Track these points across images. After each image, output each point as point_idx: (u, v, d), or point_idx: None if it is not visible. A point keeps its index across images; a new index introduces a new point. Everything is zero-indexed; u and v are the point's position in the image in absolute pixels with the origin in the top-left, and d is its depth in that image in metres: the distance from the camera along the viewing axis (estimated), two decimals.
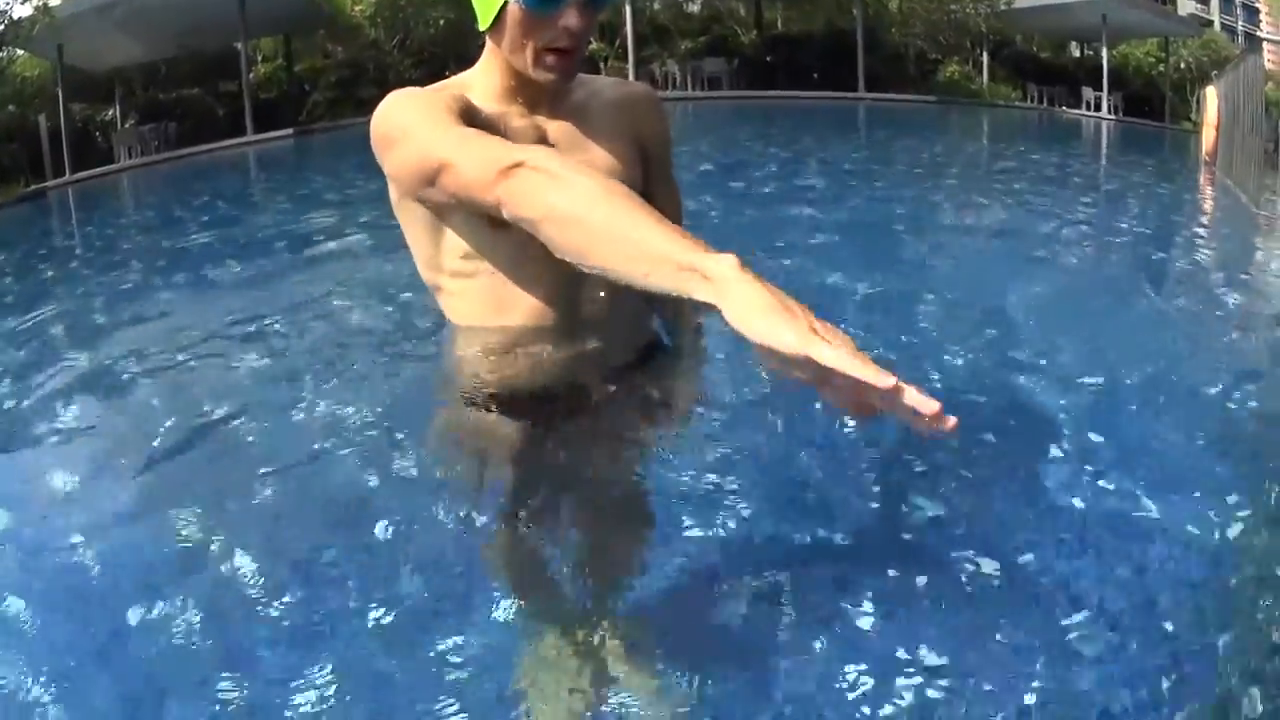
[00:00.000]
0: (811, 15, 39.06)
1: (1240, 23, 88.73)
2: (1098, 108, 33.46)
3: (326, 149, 24.57)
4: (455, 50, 29.71)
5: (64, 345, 5.85)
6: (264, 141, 28.24)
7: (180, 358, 4.02)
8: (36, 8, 28.25)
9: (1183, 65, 43.66)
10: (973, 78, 36.44)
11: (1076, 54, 45.45)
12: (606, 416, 2.37)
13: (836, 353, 1.17)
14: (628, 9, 30.25)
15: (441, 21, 31.27)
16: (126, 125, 32.85)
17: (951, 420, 1.16)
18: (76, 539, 2.38)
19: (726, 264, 1.33)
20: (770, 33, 38.89)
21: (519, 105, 2.24)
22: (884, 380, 1.13)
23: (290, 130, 29.12)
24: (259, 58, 36.54)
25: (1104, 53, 36.25)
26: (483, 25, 2.15)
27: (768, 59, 35.07)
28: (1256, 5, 57.60)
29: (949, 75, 35.48)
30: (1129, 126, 32.64)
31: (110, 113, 34.33)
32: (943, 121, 26.09)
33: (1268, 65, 24.76)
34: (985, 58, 37.44)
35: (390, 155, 2.12)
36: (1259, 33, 73.38)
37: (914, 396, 1.15)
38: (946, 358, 3.39)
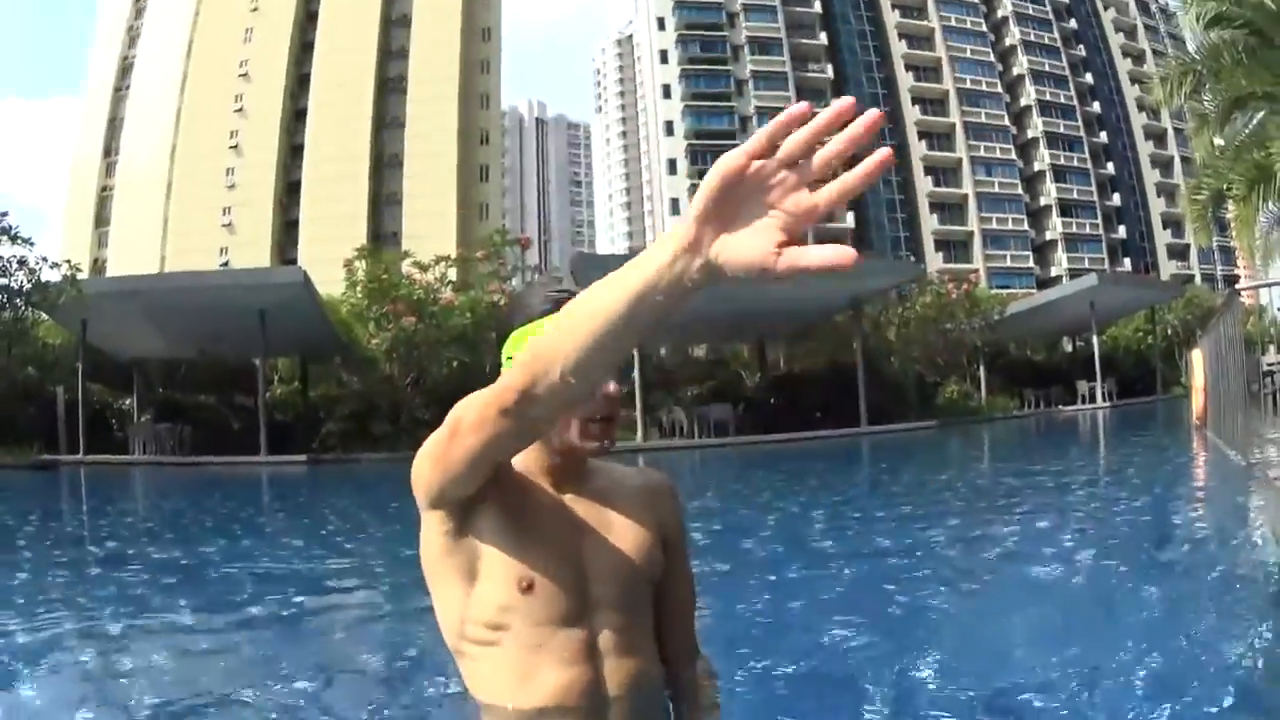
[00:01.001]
0: (814, 352, 40.21)
1: (1219, 267, 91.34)
2: (1092, 398, 34.81)
3: (339, 481, 24.61)
4: (469, 392, 30.09)
5: (49, 631, 6.36)
6: (277, 464, 28.78)
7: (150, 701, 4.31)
8: (65, 276, 29.02)
9: (1169, 331, 44.92)
10: (971, 394, 37.51)
11: (1069, 348, 47.09)
12: None
13: (794, 258, 1.46)
14: (635, 355, 30.59)
15: (455, 363, 31.88)
16: (143, 419, 33.99)
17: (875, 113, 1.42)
18: None
19: (675, 241, 1.51)
20: (774, 373, 40.02)
21: (548, 481, 2.38)
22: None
23: (304, 457, 29.61)
24: (276, 376, 37.75)
25: (1094, 341, 37.60)
26: None
27: (771, 400, 35.58)
28: (1232, 246, 59.25)
29: (949, 395, 36.57)
30: (1123, 409, 34.29)
31: (128, 402, 35.80)
32: (943, 445, 26.78)
33: (1245, 303, 25.45)
34: (982, 372, 38.78)
35: (418, 466, 2.19)
36: (1237, 270, 75.41)
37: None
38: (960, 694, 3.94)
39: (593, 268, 31.97)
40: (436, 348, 32.58)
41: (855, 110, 1.43)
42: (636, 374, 31.58)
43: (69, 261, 30.33)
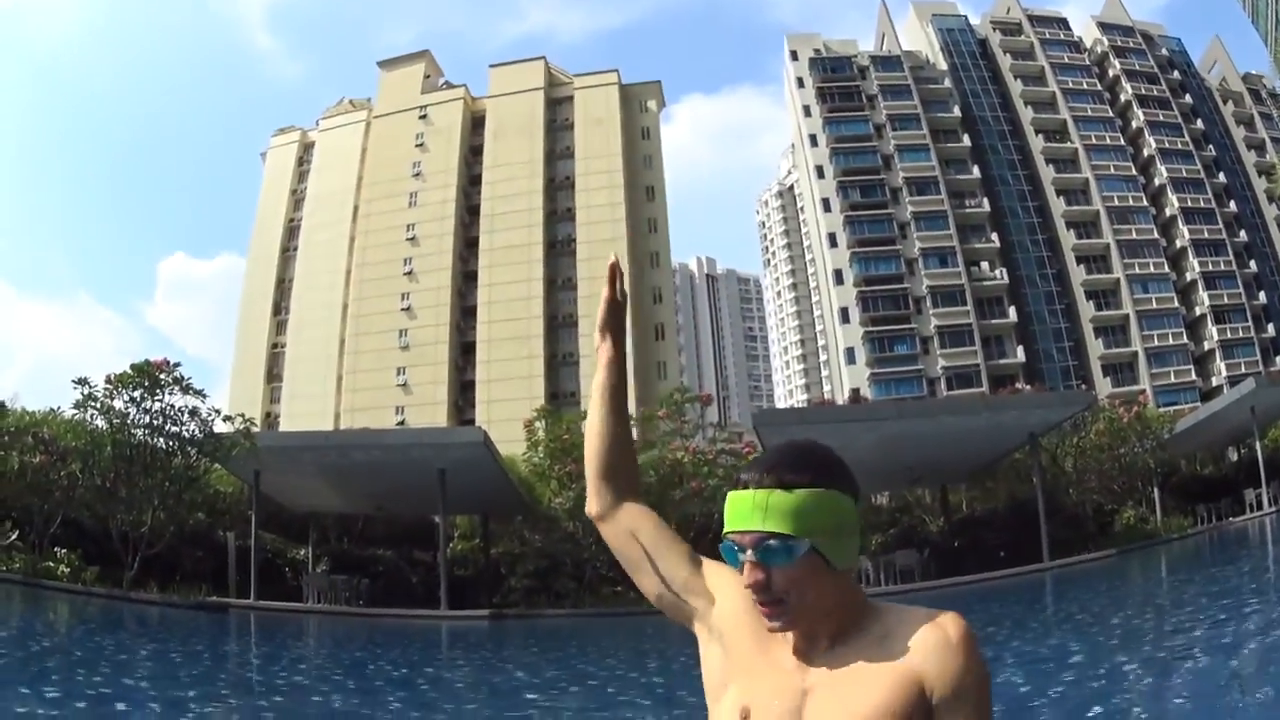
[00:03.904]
0: (994, 492, 40.20)
1: None
2: (1259, 506, 34.71)
3: (523, 637, 25.10)
4: None
5: None
6: (458, 619, 29.21)
7: None
8: (238, 429, 30.06)
9: None
10: (1147, 518, 37.40)
11: (1234, 457, 46.05)
12: None
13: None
14: None
15: None
16: (319, 570, 34.29)
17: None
18: None
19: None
20: (956, 516, 40.44)
21: (810, 628, 2.30)
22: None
23: (485, 612, 30.09)
24: (455, 533, 38.30)
25: (1258, 446, 37.61)
26: None
27: (955, 544, 35.79)
28: None
29: (1126, 521, 36.56)
30: None
31: (302, 552, 36.07)
32: (1124, 574, 27.11)
33: None
34: (1156, 493, 38.84)
35: None
36: None
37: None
38: None
39: (774, 423, 32.92)
40: None
41: (616, 265, 2.79)
42: None
43: (242, 415, 31.43)
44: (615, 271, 2.80)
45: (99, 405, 28.81)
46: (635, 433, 36.78)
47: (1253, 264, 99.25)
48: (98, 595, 24.54)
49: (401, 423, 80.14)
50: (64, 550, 26.01)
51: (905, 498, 44.12)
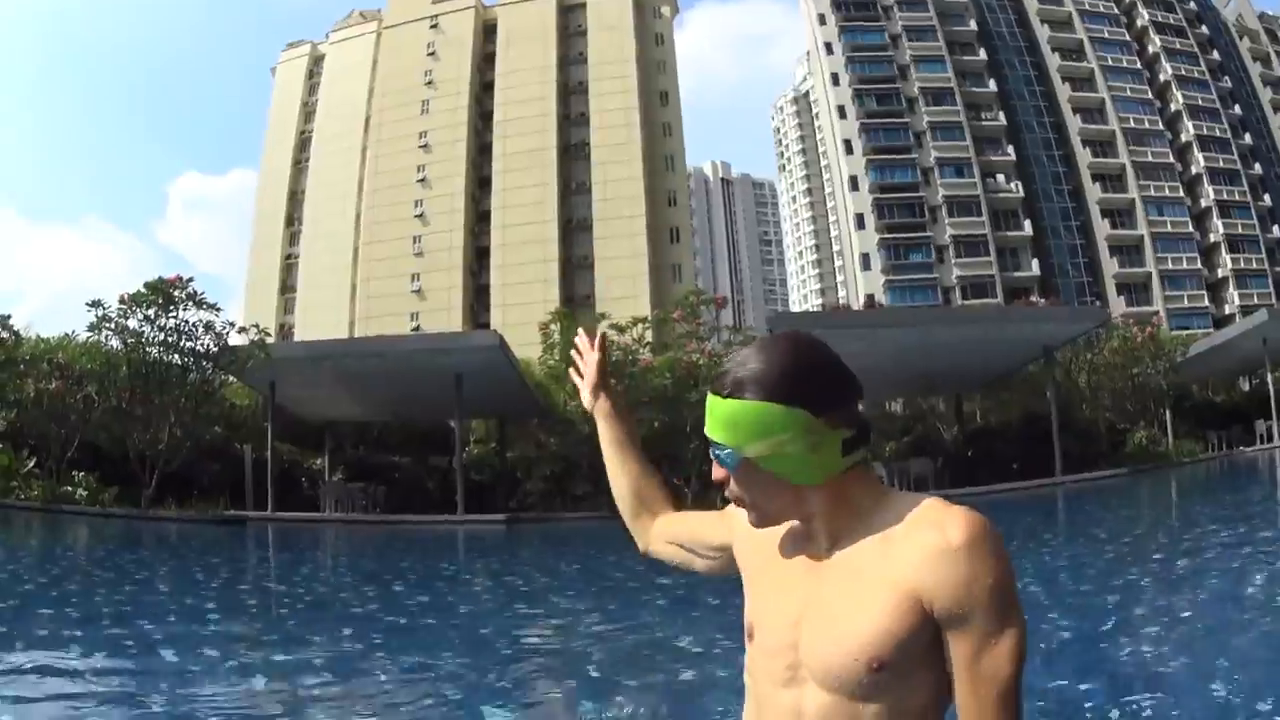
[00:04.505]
0: (1008, 404, 40.37)
1: None
2: (1270, 438, 34.80)
3: (540, 540, 25.26)
4: (667, 451, 31.36)
5: (250, 696, 6.88)
6: (475, 523, 29.26)
7: None
8: (253, 341, 30.21)
9: None
10: (1159, 439, 37.34)
11: (1246, 387, 46.60)
12: None
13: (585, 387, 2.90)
14: None
15: (655, 423, 32.20)
16: (335, 478, 34.37)
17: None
18: None
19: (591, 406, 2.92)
20: (970, 426, 40.59)
21: (808, 540, 2.26)
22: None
23: (502, 516, 30.14)
24: (471, 438, 38.21)
25: (1269, 378, 37.59)
26: None
27: (969, 454, 35.89)
28: None
29: (1137, 442, 36.42)
30: None
31: (318, 461, 36.27)
32: (1136, 493, 27.12)
33: None
34: (1168, 416, 38.83)
35: None
36: None
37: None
38: None
39: (788, 326, 32.88)
40: (636, 408, 33.18)
41: (598, 338, 2.96)
42: None
43: (256, 326, 31.39)
44: (602, 340, 2.96)
45: (113, 326, 28.70)
46: (650, 334, 37.18)
47: (1267, 198, 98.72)
48: (116, 516, 24.62)
49: (416, 329, 80.00)
50: (82, 474, 26.05)
51: (920, 405, 44.20)
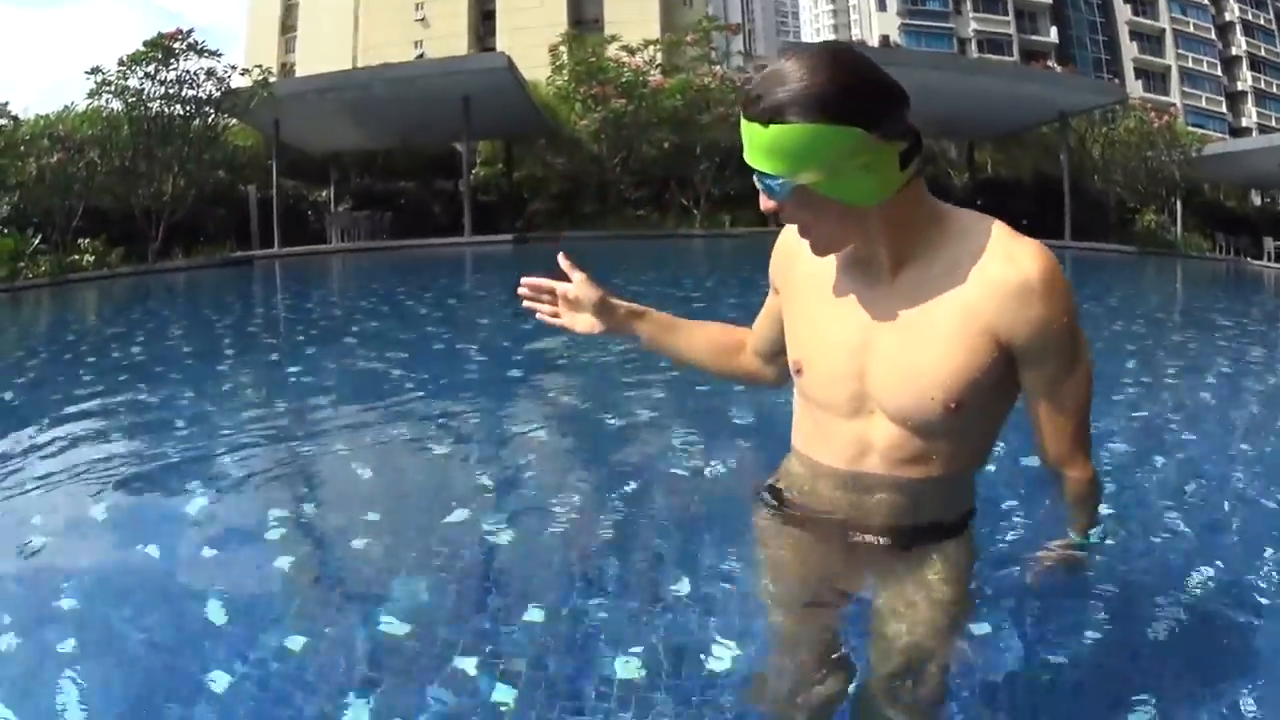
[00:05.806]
0: (1019, 160, 40.04)
1: None
2: (1276, 258, 34.15)
3: (547, 259, 25.29)
4: (677, 172, 31.68)
5: (275, 418, 7.08)
6: (482, 244, 29.29)
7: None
8: (256, 81, 29.84)
9: None
10: (1168, 227, 37.50)
11: (1258, 202, 45.83)
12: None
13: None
14: None
15: (665, 144, 32.35)
16: (341, 209, 34.41)
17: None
18: None
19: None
20: (981, 176, 40.32)
21: (862, 268, 2.25)
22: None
23: (509, 236, 30.08)
24: (478, 160, 37.80)
25: None
26: None
27: (978, 202, 35.77)
28: None
29: (1146, 224, 36.73)
30: None
31: (323, 193, 36.06)
32: (1144, 273, 26.84)
33: None
34: (1179, 206, 38.47)
35: None
36: None
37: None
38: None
39: None
40: (647, 129, 33.31)
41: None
42: None
43: (259, 66, 30.87)
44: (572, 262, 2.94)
45: (114, 89, 27.78)
46: (661, 56, 36.62)
47: None
48: (124, 274, 24.30)
49: (421, 56, 78.56)
50: (87, 240, 25.68)
51: (931, 148, 43.71)
